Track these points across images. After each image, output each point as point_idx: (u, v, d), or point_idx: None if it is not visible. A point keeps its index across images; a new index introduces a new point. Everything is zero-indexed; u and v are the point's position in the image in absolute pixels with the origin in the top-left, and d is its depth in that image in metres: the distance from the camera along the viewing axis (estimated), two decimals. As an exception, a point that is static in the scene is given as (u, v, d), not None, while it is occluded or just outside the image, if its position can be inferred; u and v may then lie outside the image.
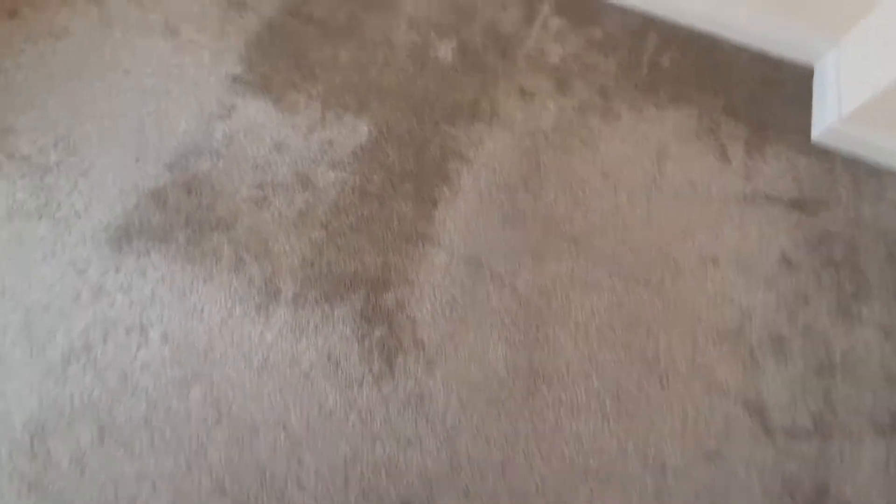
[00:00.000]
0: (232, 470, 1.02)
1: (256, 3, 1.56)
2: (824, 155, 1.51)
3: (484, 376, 1.15)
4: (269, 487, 1.02)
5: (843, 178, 1.48)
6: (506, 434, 1.09)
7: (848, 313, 1.30)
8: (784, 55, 1.67)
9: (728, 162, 1.48)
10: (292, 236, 1.25)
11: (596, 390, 1.15)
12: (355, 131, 1.39)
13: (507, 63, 1.55)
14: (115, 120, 1.34)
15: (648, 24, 1.68)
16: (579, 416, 1.13)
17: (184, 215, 1.24)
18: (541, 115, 1.48)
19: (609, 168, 1.43)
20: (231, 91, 1.41)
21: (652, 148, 1.47)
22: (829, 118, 1.49)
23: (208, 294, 1.17)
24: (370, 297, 1.20)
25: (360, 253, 1.25)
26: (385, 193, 1.32)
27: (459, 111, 1.45)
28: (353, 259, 1.24)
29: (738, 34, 1.66)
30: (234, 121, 1.37)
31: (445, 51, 1.54)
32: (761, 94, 1.60)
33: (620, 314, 1.24)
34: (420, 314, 1.19)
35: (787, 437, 1.14)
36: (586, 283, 1.27)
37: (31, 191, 1.24)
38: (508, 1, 1.66)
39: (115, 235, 1.21)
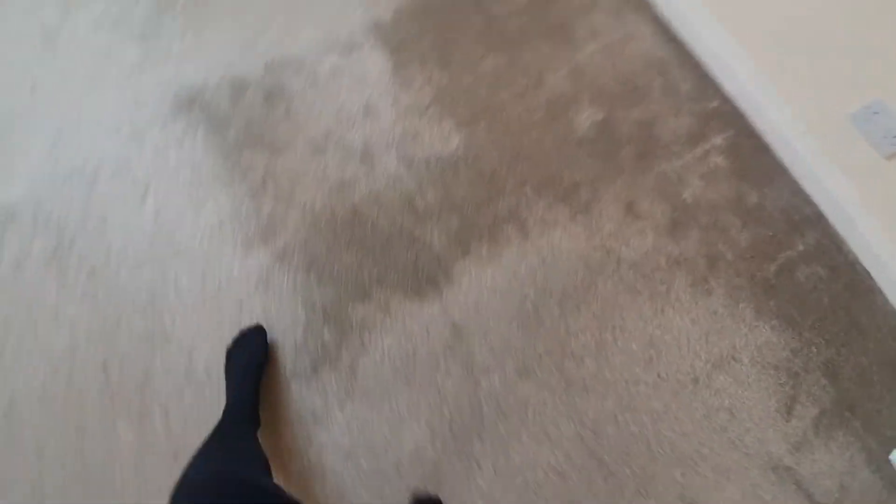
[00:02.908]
0: (121, 358, 1.02)
1: (448, -35, 1.47)
2: (889, 475, 1.21)
3: (387, 447, 1.05)
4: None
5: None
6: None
7: None
8: (941, 352, 1.34)
9: (787, 419, 1.22)
10: (321, 198, 1.20)
11: (476, 541, 1.02)
12: (445, 141, 1.30)
13: (638, 169, 1.37)
14: (257, -4, 1.34)
15: (814, 222, 1.41)
16: (443, 552, 1.01)
17: (247, 117, 1.22)
18: (631, 241, 1.30)
19: (660, 339, 1.23)
20: (365, 31, 1.35)
21: (718, 348, 1.25)
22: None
23: (218, 196, 1.16)
24: (343, 299, 1.13)
25: (370, 253, 1.17)
26: (428, 216, 1.22)
27: (555, 186, 1.31)
28: (358, 254, 1.17)
29: (901, 296, 1.35)
30: (349, 61, 1.32)
31: (586, 119, 1.39)
32: (876, 375, 1.30)
33: (558, 485, 1.08)
34: (374, 345, 1.11)
35: None
36: (547, 432, 1.12)
37: (148, 13, 1.27)
38: (686, 109, 1.45)
39: (183, 96, 1.21)
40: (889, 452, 1.23)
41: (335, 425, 1.04)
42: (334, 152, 1.23)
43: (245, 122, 1.21)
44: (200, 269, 1.10)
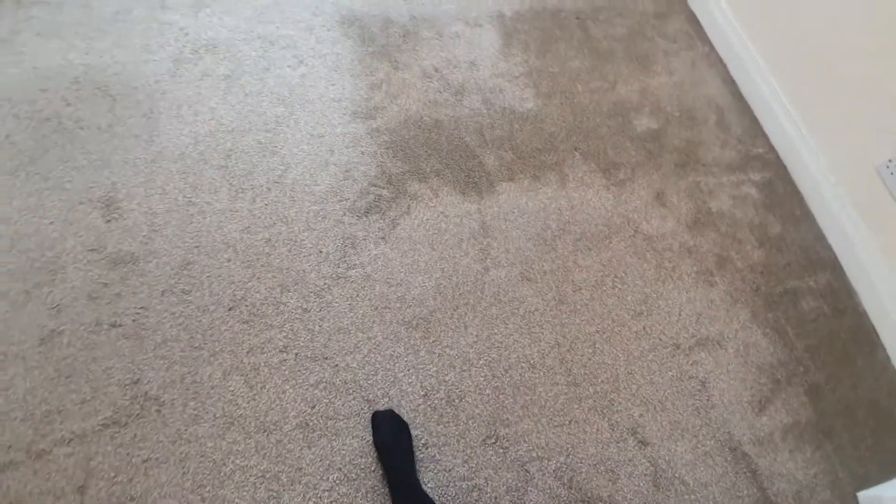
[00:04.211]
0: (240, 152, 1.30)
1: (568, -4, 1.80)
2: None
3: (399, 283, 1.21)
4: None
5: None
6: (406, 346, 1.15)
7: None
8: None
9: (757, 415, 1.22)
10: (415, 106, 1.46)
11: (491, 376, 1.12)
12: (522, 101, 1.54)
13: (675, 172, 1.51)
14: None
15: (830, 266, 1.45)
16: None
17: (386, 41, 1.56)
18: (652, 220, 1.42)
19: (654, 301, 1.31)
20: (489, 17, 1.68)
21: (707, 330, 1.29)
22: None
23: (346, 82, 1.46)
24: (406, 174, 1.35)
25: (437, 152, 1.40)
26: (490, 144, 1.45)
27: (599, 159, 1.49)
28: (429, 150, 1.40)
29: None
30: (470, 31, 1.64)
31: (642, 124, 1.58)
32: (861, 415, 1.26)
33: (525, 372, 1.16)
34: (416, 213, 1.30)
35: None
36: (531, 330, 1.22)
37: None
38: (732, 145, 1.60)
39: (349, 16, 1.58)
40: (857, 488, 1.18)
41: (365, 254, 1.23)
42: (437, 81, 1.51)
43: (383, 44, 1.54)
44: (316, 119, 1.38)
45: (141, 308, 1.09)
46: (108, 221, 1.17)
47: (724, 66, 1.76)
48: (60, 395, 1.00)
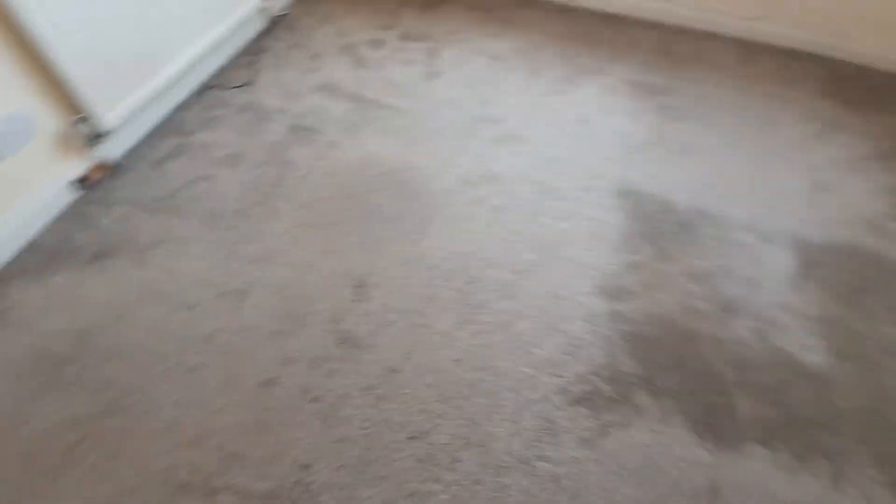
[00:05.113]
0: (478, 281, 1.29)
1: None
2: None
3: (584, 508, 0.99)
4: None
5: None
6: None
7: None
8: None
9: None
10: (670, 306, 1.28)
11: None
12: (805, 351, 1.22)
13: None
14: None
15: None
16: None
17: (659, 227, 1.44)
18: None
19: None
20: (789, 236, 1.43)
21: None
22: None
23: (603, 251, 1.38)
24: (637, 379, 1.16)
25: (680, 370, 1.18)
26: (750, 387, 1.16)
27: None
28: (671, 362, 1.19)
29: None
30: (759, 245, 1.42)
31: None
32: None
33: None
34: (635, 432, 1.08)
35: None
36: None
37: (649, 136, 1.67)
38: None
39: (626, 189, 1.53)
40: None
41: (561, 451, 1.05)
42: (705, 287, 1.31)
43: (654, 227, 1.43)
44: (561, 279, 1.32)
45: (343, 394, 1.11)
46: (354, 301, 1.25)
47: None
48: (251, 443, 1.04)
